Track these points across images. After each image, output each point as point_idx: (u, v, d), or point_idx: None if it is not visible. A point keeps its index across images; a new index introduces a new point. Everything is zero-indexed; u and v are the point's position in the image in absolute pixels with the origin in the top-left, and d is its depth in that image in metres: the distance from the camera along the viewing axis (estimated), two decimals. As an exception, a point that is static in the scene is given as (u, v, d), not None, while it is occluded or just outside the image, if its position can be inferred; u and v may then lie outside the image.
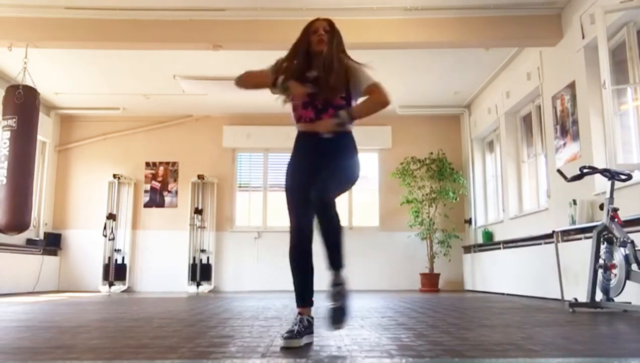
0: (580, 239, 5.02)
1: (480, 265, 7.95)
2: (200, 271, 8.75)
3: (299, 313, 2.38)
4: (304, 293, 2.44)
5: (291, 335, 2.24)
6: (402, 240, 8.80)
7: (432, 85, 8.17)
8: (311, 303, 2.44)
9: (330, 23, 2.59)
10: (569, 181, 4.23)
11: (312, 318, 2.41)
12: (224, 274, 8.93)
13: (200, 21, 6.00)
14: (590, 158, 5.15)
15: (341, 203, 9.90)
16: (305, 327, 2.31)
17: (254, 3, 5.75)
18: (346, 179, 2.46)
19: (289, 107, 2.56)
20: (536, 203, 6.89)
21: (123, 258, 8.86)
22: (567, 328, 2.89)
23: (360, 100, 2.50)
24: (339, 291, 2.21)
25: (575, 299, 4.06)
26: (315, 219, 2.30)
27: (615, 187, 4.03)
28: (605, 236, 3.95)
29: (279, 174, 9.48)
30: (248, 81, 2.54)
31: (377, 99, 2.42)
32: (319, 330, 2.81)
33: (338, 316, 2.18)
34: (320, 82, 2.45)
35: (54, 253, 8.74)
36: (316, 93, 2.46)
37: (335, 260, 2.25)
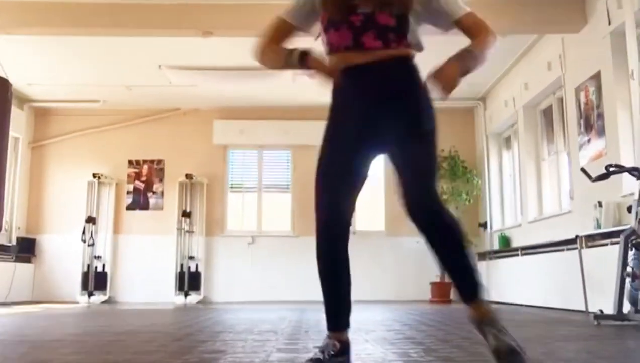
0: (606, 245, 5.02)
1: (497, 273, 7.95)
2: (189, 280, 8.74)
3: (328, 337, 1.94)
4: (335, 310, 1.96)
5: None
6: (410, 246, 8.77)
7: (444, 75, 8.16)
8: (346, 324, 1.97)
9: None
10: (593, 181, 4.23)
11: (347, 342, 1.96)
12: (214, 283, 8.93)
13: (189, 5, 5.99)
14: (617, 156, 5.14)
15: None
16: (331, 355, 1.88)
17: (248, -15, 5.75)
18: (435, 147, 1.94)
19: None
20: (558, 206, 6.89)
21: (103, 265, 8.85)
22: (591, 343, 2.89)
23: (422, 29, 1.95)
24: (491, 325, 1.76)
25: (601, 310, 4.06)
26: (422, 234, 1.85)
27: (645, 187, 4.03)
28: (634, 242, 3.94)
29: (275, 174, 9.50)
30: (265, 60, 2.04)
31: (490, 42, 1.93)
32: (307, 343, 2.82)
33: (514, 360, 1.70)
34: None
35: (28, 260, 8.74)
36: (356, 7, 1.87)
37: (471, 282, 1.84)
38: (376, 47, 1.87)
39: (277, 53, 2.00)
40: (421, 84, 1.93)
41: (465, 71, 1.87)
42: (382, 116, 1.89)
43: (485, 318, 1.80)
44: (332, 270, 1.95)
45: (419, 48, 1.98)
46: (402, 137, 1.89)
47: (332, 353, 1.88)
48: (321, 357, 1.87)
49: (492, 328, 1.76)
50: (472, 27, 1.95)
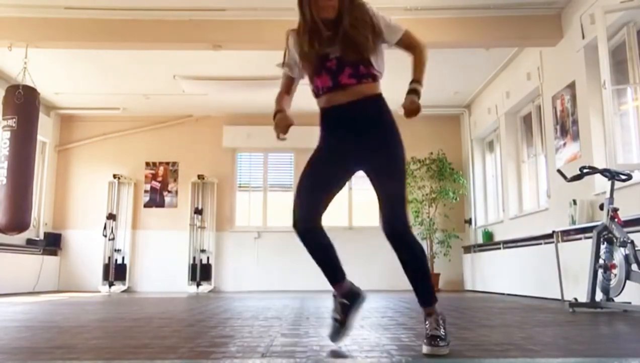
0: (580, 239, 5.02)
1: (480, 265, 7.95)
2: (200, 271, 8.74)
3: (333, 296, 2.22)
4: (330, 270, 2.18)
5: (334, 330, 2.20)
6: (402, 240, 8.78)
7: (432, 85, 8.11)
8: (343, 277, 2.20)
9: None
10: (569, 181, 4.23)
11: (351, 290, 2.21)
12: (223, 274, 8.92)
13: (200, 21, 6.00)
14: (590, 158, 5.15)
15: (341, 202, 9.95)
16: (342, 312, 2.18)
17: (254, 3, 5.75)
18: (403, 176, 2.11)
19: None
20: (536, 203, 6.89)
21: (123, 258, 8.85)
22: (567, 328, 2.88)
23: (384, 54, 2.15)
24: (435, 323, 2.04)
25: (575, 299, 4.06)
26: (394, 250, 2.07)
27: (615, 187, 4.03)
28: (605, 236, 3.95)
29: (279, 175, 9.49)
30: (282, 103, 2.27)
31: (424, 55, 2.18)
32: (318, 330, 2.81)
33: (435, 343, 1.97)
34: (340, 40, 2.06)
35: (54, 253, 8.73)
36: (329, 55, 2.08)
37: (424, 293, 2.15)
38: (351, 84, 2.07)
39: (284, 102, 2.25)
40: (389, 117, 2.15)
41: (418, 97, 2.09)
42: (356, 145, 2.09)
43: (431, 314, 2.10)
44: (314, 248, 2.14)
45: (382, 73, 2.18)
46: (375, 167, 2.11)
47: (340, 312, 2.18)
48: (338, 317, 2.18)
49: (432, 319, 2.07)
50: (410, 45, 2.20)
